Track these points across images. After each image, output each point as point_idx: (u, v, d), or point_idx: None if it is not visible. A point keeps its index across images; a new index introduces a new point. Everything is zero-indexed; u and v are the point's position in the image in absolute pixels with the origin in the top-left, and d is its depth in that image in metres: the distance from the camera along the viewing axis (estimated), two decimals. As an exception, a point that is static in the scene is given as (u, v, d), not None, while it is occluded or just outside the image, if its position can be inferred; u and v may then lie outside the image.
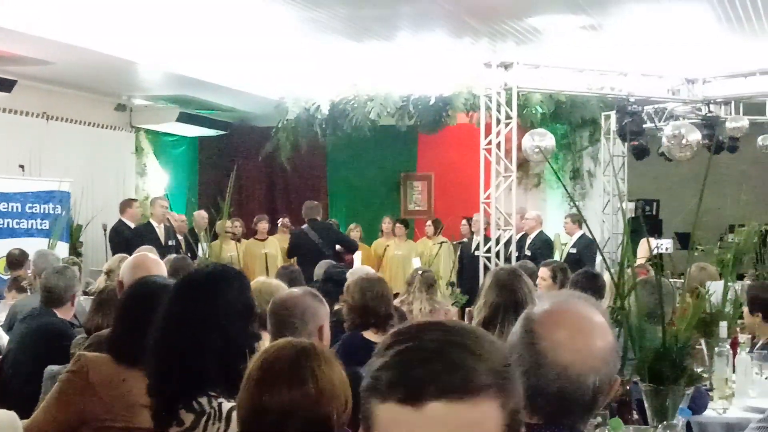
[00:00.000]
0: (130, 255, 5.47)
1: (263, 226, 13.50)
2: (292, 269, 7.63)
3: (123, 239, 11.23)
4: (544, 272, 7.27)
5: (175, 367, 2.97)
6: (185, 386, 2.95)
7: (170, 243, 11.50)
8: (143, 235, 11.21)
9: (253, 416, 2.38)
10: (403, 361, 1.32)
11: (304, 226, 11.87)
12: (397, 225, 14.02)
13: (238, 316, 3.08)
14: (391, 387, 1.30)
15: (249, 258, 12.98)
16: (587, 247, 11.61)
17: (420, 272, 7.50)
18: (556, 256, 12.27)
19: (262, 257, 12.81)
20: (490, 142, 11.15)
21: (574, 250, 11.72)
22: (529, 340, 2.03)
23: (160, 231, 11.64)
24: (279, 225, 14.05)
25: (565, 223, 12.20)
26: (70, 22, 10.17)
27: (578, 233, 11.86)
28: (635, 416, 3.59)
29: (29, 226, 11.70)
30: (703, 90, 12.38)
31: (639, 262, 6.97)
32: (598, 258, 11.12)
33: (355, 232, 13.56)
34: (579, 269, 10.30)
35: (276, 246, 13.28)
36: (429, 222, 14.01)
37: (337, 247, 11.84)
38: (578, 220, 11.83)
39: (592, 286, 6.05)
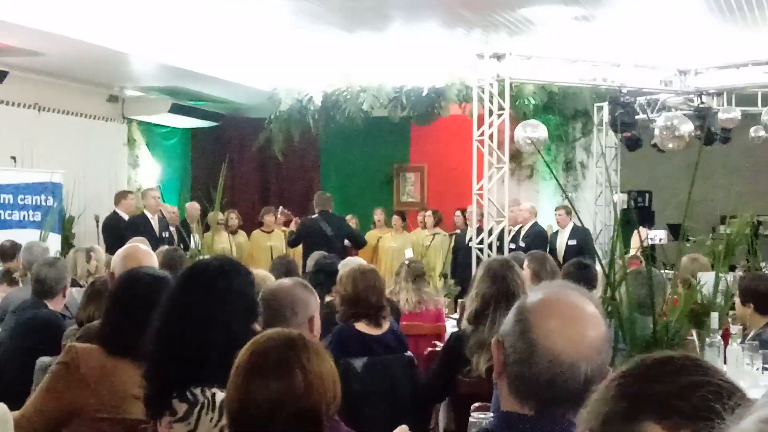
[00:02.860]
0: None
1: (270, 218, 13.52)
2: (288, 260, 7.63)
3: (117, 230, 11.22)
4: (527, 263, 7.26)
5: (174, 355, 2.97)
6: (182, 376, 2.95)
7: (164, 234, 11.48)
8: (138, 225, 11.21)
9: (241, 407, 2.37)
10: (708, 396, 1.25)
11: (315, 216, 11.83)
12: (394, 217, 14.03)
13: (242, 311, 3.09)
14: (692, 419, 1.24)
15: (255, 250, 13.09)
16: (586, 237, 11.63)
17: (407, 263, 7.49)
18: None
19: (267, 249, 12.83)
20: (482, 134, 11.15)
21: (573, 242, 11.70)
22: (521, 329, 2.03)
23: (155, 222, 11.63)
24: (278, 215, 14.00)
25: (558, 215, 12.18)
26: (61, 12, 10.14)
27: (571, 224, 11.88)
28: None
29: (21, 218, 11.67)
30: (695, 81, 12.39)
31: (631, 253, 6.98)
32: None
33: (350, 223, 13.58)
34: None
35: (281, 238, 13.31)
36: (428, 212, 14.00)
37: (346, 241, 11.85)
38: (570, 211, 11.83)
39: (584, 276, 6.05)
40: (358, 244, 12.15)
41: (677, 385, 1.28)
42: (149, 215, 11.65)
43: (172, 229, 11.95)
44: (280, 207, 14.25)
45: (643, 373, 1.33)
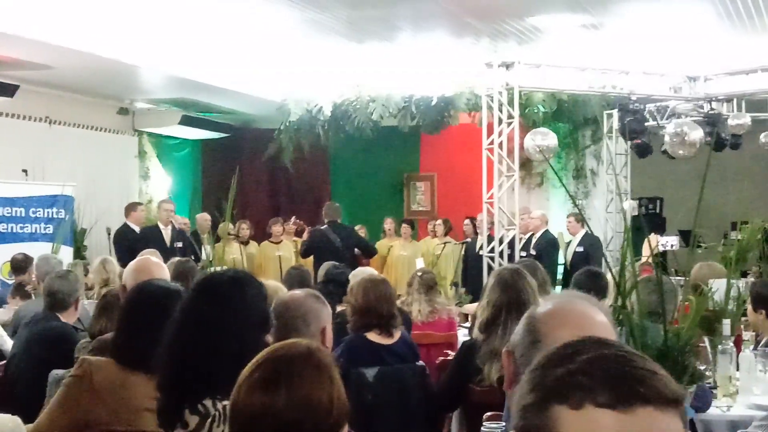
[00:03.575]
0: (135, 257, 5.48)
1: (277, 228, 13.55)
2: (302, 270, 7.63)
3: (128, 242, 11.26)
4: None
5: (187, 366, 2.98)
6: (194, 387, 2.95)
7: (177, 245, 11.48)
8: (149, 237, 11.26)
9: (231, 415, 2.39)
10: (606, 366, 1.27)
11: (324, 226, 11.84)
12: (404, 226, 14.05)
13: (254, 323, 3.10)
14: (593, 391, 1.24)
15: (263, 260, 13.09)
16: (595, 245, 11.61)
17: (419, 274, 7.48)
18: (560, 255, 12.28)
19: (276, 259, 12.85)
20: (492, 142, 11.15)
21: (581, 249, 11.70)
22: (531, 339, 2.04)
23: (166, 233, 11.67)
24: (290, 224, 14.01)
25: (568, 222, 12.20)
26: (71, 26, 10.18)
27: (582, 232, 11.85)
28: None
29: (33, 231, 11.71)
30: (704, 87, 12.37)
31: (643, 260, 6.96)
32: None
33: (360, 233, 13.56)
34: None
35: (290, 249, 13.35)
36: (439, 221, 14.01)
37: (356, 250, 11.84)
38: (582, 219, 11.82)
39: (595, 285, 6.02)
40: (368, 253, 12.14)
41: (575, 363, 1.28)
42: (162, 227, 11.71)
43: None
44: (293, 218, 14.27)
45: (546, 362, 1.33)
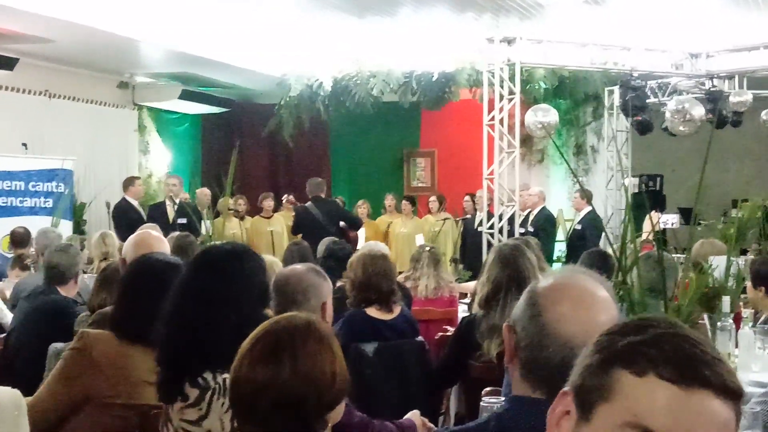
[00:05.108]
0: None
1: (268, 203, 13.52)
2: (303, 246, 7.64)
3: (127, 216, 11.26)
4: None
5: (186, 339, 2.98)
6: (193, 360, 2.96)
7: (180, 221, 11.44)
8: (153, 213, 11.29)
9: (232, 389, 2.40)
10: (677, 344, 1.33)
11: (308, 203, 11.84)
12: (404, 202, 14.02)
13: (254, 296, 3.11)
14: (659, 363, 1.31)
15: (254, 235, 13.03)
16: (593, 224, 11.61)
17: (427, 249, 7.47)
18: (560, 232, 12.27)
19: (267, 234, 12.83)
20: (493, 118, 11.14)
21: (579, 227, 11.70)
22: (533, 313, 2.04)
23: (170, 209, 11.65)
24: (284, 202, 14.06)
25: (573, 198, 12.18)
26: (71, -1, 10.15)
27: (586, 209, 11.81)
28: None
29: (32, 205, 11.72)
30: (706, 64, 12.35)
31: (643, 237, 6.95)
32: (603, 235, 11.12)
33: (362, 209, 13.54)
34: (582, 245, 10.34)
35: (281, 223, 13.31)
36: (433, 197, 14.00)
37: (341, 223, 11.82)
38: (587, 195, 11.80)
39: (604, 265, 6.01)
40: (354, 225, 12.10)
41: (647, 335, 1.34)
42: (168, 203, 11.71)
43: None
44: (286, 195, 14.26)
45: (617, 330, 1.40)
